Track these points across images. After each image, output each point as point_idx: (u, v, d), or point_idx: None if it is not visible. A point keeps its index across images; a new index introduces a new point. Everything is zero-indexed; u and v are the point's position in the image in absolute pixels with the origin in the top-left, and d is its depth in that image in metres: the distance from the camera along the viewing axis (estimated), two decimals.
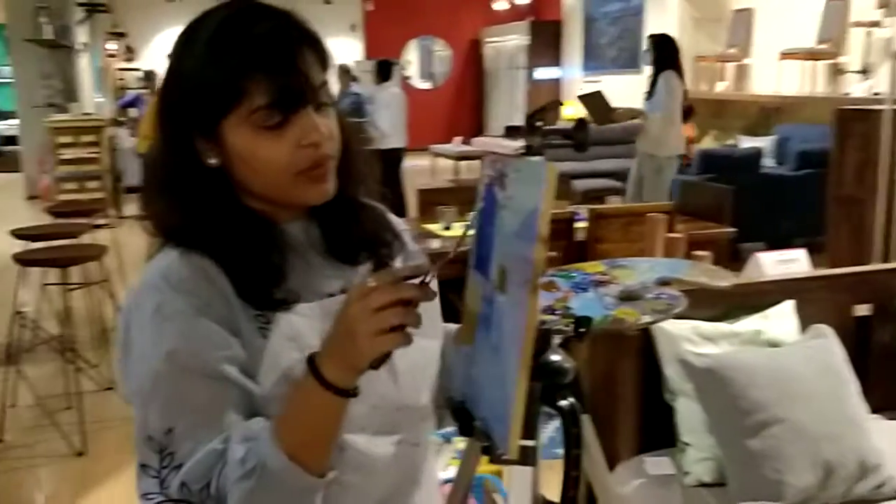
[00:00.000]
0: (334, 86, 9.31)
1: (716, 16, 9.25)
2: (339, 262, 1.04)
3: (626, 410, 2.22)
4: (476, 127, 14.43)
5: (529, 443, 0.85)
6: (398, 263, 1.09)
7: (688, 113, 7.71)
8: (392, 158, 7.76)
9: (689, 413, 2.08)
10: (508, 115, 13.39)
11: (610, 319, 1.02)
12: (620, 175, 6.81)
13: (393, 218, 1.15)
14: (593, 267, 1.15)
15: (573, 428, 0.87)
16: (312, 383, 0.86)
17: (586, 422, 0.91)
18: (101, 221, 5.61)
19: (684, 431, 2.10)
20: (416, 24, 14.43)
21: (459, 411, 0.94)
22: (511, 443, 0.80)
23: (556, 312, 0.95)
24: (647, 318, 1.02)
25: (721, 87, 8.92)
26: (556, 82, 12.77)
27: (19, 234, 4.07)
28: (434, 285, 1.09)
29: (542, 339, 0.89)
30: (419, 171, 9.90)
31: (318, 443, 0.89)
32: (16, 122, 9.76)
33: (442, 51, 15.11)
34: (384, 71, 7.91)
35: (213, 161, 0.97)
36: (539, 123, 0.93)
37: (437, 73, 15.26)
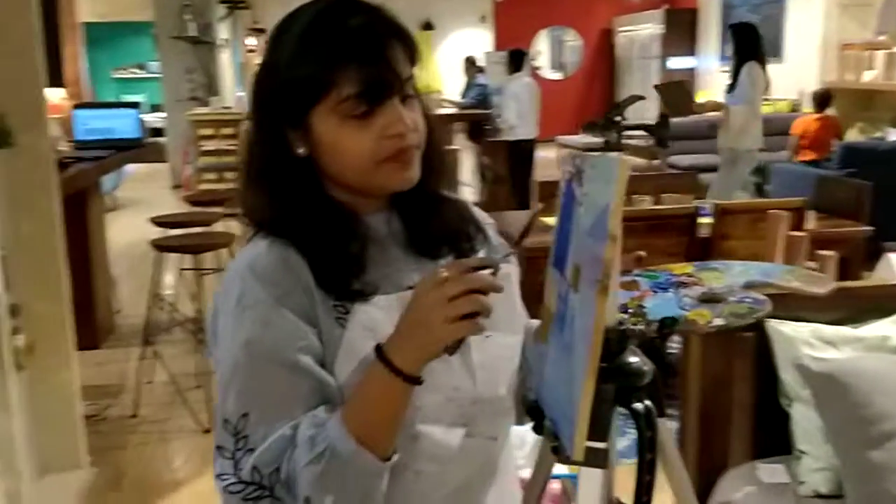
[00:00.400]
0: (460, 77, 9.35)
1: (865, 1, 8.71)
2: (420, 256, 1.05)
3: (740, 414, 2.14)
4: None
5: (599, 445, 0.83)
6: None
7: (825, 101, 7.31)
8: (521, 150, 7.74)
9: (805, 420, 1.98)
10: (641, 105, 13.05)
11: (682, 320, 0.98)
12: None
13: (477, 211, 1.16)
14: (681, 268, 1.11)
15: (647, 431, 0.85)
16: (381, 370, 0.89)
17: (663, 426, 0.88)
18: (233, 211, 5.87)
19: (800, 439, 2.00)
20: (546, 14, 14.30)
21: (533, 409, 0.93)
22: (576, 444, 0.79)
23: (629, 311, 0.93)
24: (719, 322, 0.98)
25: (869, 77, 8.39)
26: (690, 72, 12.38)
27: (158, 221, 4.32)
28: (514, 279, 1.09)
29: (619, 340, 0.87)
30: (547, 162, 9.82)
31: (383, 428, 0.91)
32: (163, 115, 10.33)
33: (573, 41, 14.92)
34: (516, 61, 7.90)
35: (301, 150, 1.00)
36: (617, 118, 0.90)
37: (567, 63, 15.09)
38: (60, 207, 3.16)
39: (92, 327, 4.39)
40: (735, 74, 5.36)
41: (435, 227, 1.06)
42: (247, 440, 0.93)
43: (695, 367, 2.22)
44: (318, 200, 1.01)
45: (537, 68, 14.08)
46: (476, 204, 1.19)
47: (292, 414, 0.93)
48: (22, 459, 2.46)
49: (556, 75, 14.93)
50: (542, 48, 14.88)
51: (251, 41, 13.07)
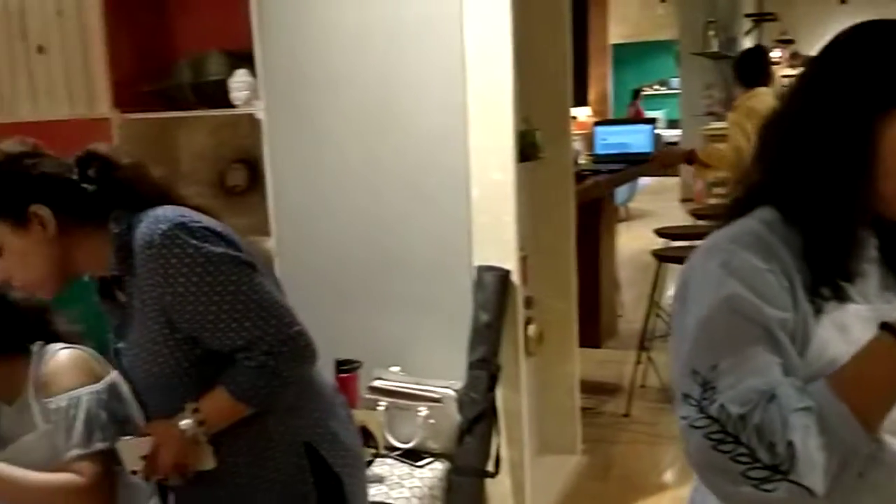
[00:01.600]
0: None
1: None
2: (892, 281, 1.05)
3: None
4: None
5: None
6: None
7: None
8: None
9: None
10: None
11: None
12: None
13: None
14: None
15: None
16: (891, 343, 0.89)
17: None
18: None
19: None
20: None
21: None
22: None
23: None
24: None
25: None
26: None
27: (660, 232, 4.49)
28: None
29: None
30: None
31: (876, 402, 0.91)
32: (678, 131, 10.56)
33: None
34: None
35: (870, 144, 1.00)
36: None
37: None
38: (575, 215, 3.49)
39: (595, 327, 4.73)
40: None
41: None
42: (714, 390, 0.96)
43: None
44: (857, 194, 1.01)
45: None
46: None
47: (761, 373, 0.94)
48: (525, 435, 2.78)
49: None
50: None
51: (776, 52, 12.65)
